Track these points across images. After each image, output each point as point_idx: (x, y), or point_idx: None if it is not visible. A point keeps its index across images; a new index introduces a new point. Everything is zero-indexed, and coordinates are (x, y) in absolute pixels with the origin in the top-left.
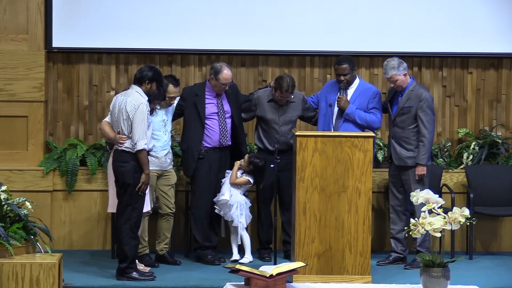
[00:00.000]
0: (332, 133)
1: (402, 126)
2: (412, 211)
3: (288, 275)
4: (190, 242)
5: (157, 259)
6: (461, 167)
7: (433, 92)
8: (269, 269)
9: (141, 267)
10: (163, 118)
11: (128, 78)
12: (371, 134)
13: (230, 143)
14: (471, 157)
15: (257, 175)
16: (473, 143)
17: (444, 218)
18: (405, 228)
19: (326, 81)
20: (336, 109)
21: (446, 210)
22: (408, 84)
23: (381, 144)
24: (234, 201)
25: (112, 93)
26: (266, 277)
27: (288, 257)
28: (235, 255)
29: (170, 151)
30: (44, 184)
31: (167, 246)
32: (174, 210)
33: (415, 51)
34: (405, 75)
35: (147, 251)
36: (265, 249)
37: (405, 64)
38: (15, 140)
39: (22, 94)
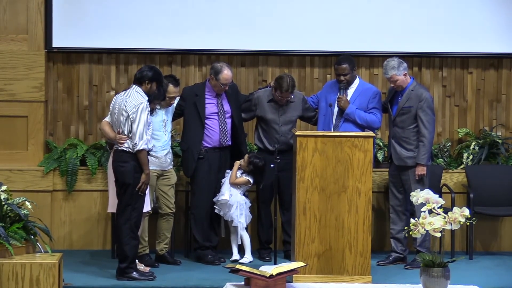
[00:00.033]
0: (332, 133)
1: (402, 126)
2: (412, 211)
3: (288, 275)
4: (190, 242)
5: (157, 259)
6: (461, 167)
7: (433, 92)
8: (269, 269)
9: (141, 267)
10: (163, 118)
11: (128, 78)
12: (371, 134)
13: (230, 143)
14: (471, 157)
15: (256, 175)
16: (473, 143)
17: (444, 218)
18: (405, 228)
19: (326, 81)
20: (336, 109)
21: (446, 210)
22: (408, 84)
23: (381, 144)
24: (233, 201)
25: (112, 93)
26: (266, 277)
27: (288, 257)
28: (235, 255)
29: (170, 151)
30: (44, 184)
31: (167, 246)
32: (174, 210)
33: (415, 51)
34: (405, 75)
35: (147, 251)
36: (265, 249)
37: (405, 64)
38: (15, 140)
39: (22, 94)
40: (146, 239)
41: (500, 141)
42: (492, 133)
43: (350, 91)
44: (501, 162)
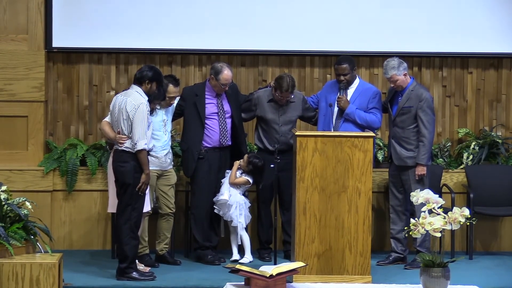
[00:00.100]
0: (332, 133)
1: (402, 126)
2: (412, 211)
3: (288, 275)
4: (190, 242)
5: (157, 259)
6: (461, 167)
7: (433, 92)
8: (269, 269)
9: (141, 267)
10: (163, 118)
11: (128, 78)
12: (371, 134)
13: (230, 143)
14: (471, 157)
15: (256, 175)
16: (473, 143)
17: (444, 218)
18: (405, 228)
19: (326, 81)
20: (336, 109)
21: (446, 210)
22: (408, 84)
23: (381, 144)
24: (233, 201)
25: (112, 93)
26: (266, 277)
27: (288, 257)
28: (235, 255)
29: (170, 151)
30: (44, 184)
31: (167, 246)
32: (174, 210)
33: (415, 51)
34: (405, 75)
35: (147, 251)
36: (265, 249)
37: (405, 64)
38: (15, 140)
39: (22, 94)
40: (146, 239)
41: (500, 141)
42: (492, 133)
43: (350, 91)
44: (501, 162)
